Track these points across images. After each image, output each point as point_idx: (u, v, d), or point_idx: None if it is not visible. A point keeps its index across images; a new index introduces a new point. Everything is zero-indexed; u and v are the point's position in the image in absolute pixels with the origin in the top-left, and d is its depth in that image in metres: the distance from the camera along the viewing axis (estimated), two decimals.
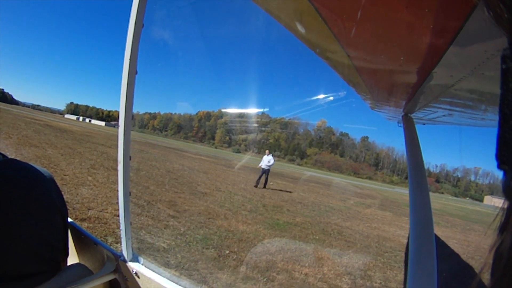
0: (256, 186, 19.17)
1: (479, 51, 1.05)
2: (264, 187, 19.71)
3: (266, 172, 20.51)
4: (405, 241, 10.42)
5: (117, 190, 1.71)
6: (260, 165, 21.08)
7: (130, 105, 1.58)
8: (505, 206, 0.35)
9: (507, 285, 0.33)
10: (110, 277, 1.64)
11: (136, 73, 1.55)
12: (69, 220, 1.68)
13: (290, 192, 20.94)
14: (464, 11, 0.87)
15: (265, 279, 5.68)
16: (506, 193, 0.34)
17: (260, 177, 20.27)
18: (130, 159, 1.67)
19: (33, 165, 1.26)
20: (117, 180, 1.66)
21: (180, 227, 7.82)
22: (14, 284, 1.02)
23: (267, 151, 21.70)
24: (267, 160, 20.72)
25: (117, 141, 1.64)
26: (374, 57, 1.68)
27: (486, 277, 0.37)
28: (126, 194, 1.70)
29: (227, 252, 6.69)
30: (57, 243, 1.22)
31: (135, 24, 1.46)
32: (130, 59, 1.49)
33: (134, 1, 1.45)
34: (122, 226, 1.75)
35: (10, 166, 1.12)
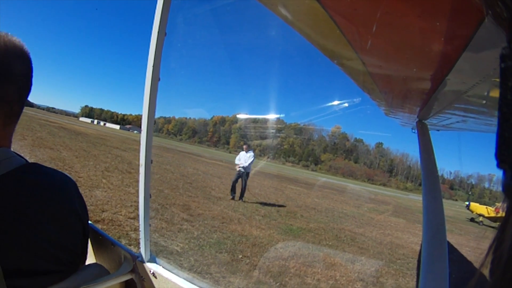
0: (232, 198, 13.83)
1: (491, 58, 1.07)
2: (241, 198, 14.08)
3: (243, 175, 14.56)
4: (418, 248, 10.32)
5: (138, 192, 1.76)
6: (237, 162, 14.95)
7: (153, 111, 1.63)
8: (505, 205, 0.34)
9: (507, 285, 0.33)
10: (127, 277, 1.66)
11: (159, 79, 1.60)
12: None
13: (283, 206, 15.18)
14: (476, 19, 0.89)
15: (277, 284, 5.68)
16: (506, 192, 0.34)
17: (234, 183, 14.43)
18: (151, 163, 1.72)
19: (55, 170, 1.27)
20: (137, 183, 1.71)
21: (193, 230, 7.84)
22: (29, 280, 1.05)
23: (245, 146, 15.44)
24: (245, 159, 14.78)
25: (139, 145, 1.69)
26: (388, 64, 1.70)
27: (486, 277, 0.36)
28: (147, 196, 1.74)
29: (240, 256, 6.69)
30: (75, 247, 1.24)
31: (158, 33, 1.51)
32: (153, 66, 1.53)
33: (156, 12, 1.50)
34: (141, 227, 1.78)
35: (31, 170, 1.14)
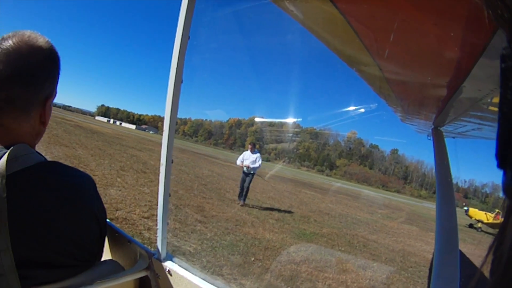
0: (242, 204, 12.72)
1: None
2: (244, 201, 13.00)
3: (248, 177, 13.13)
4: (430, 256, 10.23)
5: (157, 191, 1.79)
6: (239, 163, 13.48)
7: (175, 113, 1.66)
8: (505, 206, 0.34)
9: (507, 285, 0.32)
10: (142, 274, 1.67)
11: (182, 82, 1.64)
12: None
13: (297, 210, 14.87)
14: (491, 26, 0.91)
15: None
16: (506, 193, 0.34)
17: (242, 187, 13.22)
18: (172, 162, 1.76)
19: (75, 169, 1.29)
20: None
21: (207, 232, 7.86)
22: (42, 271, 1.07)
23: (250, 146, 13.65)
24: (251, 160, 13.18)
25: (161, 145, 1.72)
26: (404, 70, 1.71)
27: (486, 278, 0.36)
28: (166, 195, 1.77)
29: (252, 259, 6.70)
30: (90, 245, 1.25)
31: (181, 36, 1.55)
32: (176, 69, 1.56)
33: (180, 16, 1.54)
34: (159, 225, 1.81)
35: (50, 168, 1.16)
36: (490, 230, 28.98)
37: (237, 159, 13.88)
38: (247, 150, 13.59)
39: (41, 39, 1.13)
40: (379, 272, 7.87)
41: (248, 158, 13.23)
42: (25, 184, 1.05)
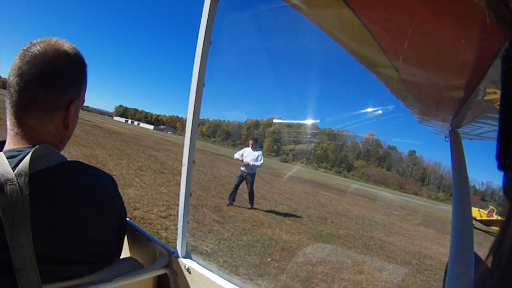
0: (229, 204, 11.41)
1: None
2: (251, 204, 11.81)
3: (247, 178, 11.69)
4: (446, 259, 10.10)
5: (179, 191, 1.82)
6: (237, 157, 11.81)
7: (197, 115, 1.69)
8: (506, 207, 0.35)
9: (507, 286, 0.33)
10: (161, 271, 1.69)
11: (204, 85, 1.68)
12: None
13: (314, 212, 14.50)
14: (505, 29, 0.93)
15: None
16: (507, 194, 0.35)
17: (237, 187, 11.77)
18: (194, 163, 1.79)
19: (97, 168, 1.31)
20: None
21: (224, 232, 7.88)
22: (61, 267, 1.10)
23: (251, 141, 11.77)
24: (252, 158, 11.52)
25: (183, 146, 1.76)
26: (421, 72, 1.72)
27: (486, 278, 0.37)
28: (187, 195, 1.79)
29: (269, 259, 6.70)
30: (110, 242, 1.27)
31: (203, 41, 1.58)
32: (198, 73, 1.60)
33: (202, 22, 1.57)
34: (180, 224, 1.83)
35: (72, 167, 1.18)
36: (484, 227, 28.13)
37: (236, 153, 12.13)
38: (247, 147, 11.83)
39: (67, 45, 1.17)
40: (394, 274, 7.82)
41: (248, 156, 11.61)
42: (47, 182, 1.08)
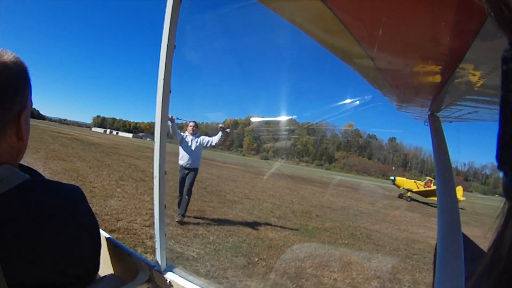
0: (181, 218, 8.49)
1: (500, 48, 1.06)
2: (181, 214, 8.54)
3: (188, 175, 8.63)
4: (434, 242, 10.23)
5: (153, 203, 1.78)
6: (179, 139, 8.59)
7: (165, 124, 1.65)
8: (506, 207, 0.36)
9: (506, 286, 0.33)
10: (143, 286, 1.67)
11: (170, 92, 1.62)
12: (105, 234, 1.74)
13: (298, 207, 14.31)
14: (484, 10, 0.89)
15: (294, 286, 5.68)
16: (507, 194, 0.35)
17: (182, 191, 8.64)
18: (165, 173, 1.74)
19: (60, 183, 1.25)
20: (151, 190, 1.73)
21: (209, 235, 7.84)
22: None
23: (190, 125, 8.89)
24: (195, 146, 8.64)
25: (153, 156, 1.71)
26: (398, 59, 1.70)
27: (484, 279, 0.37)
28: (162, 207, 1.75)
29: (256, 259, 6.69)
30: (84, 260, 1.22)
31: (167, 46, 1.53)
32: (164, 79, 1.55)
33: (165, 24, 1.52)
34: (157, 237, 1.79)
35: (33, 187, 1.13)
36: (421, 198, 28.61)
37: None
38: (186, 133, 8.81)
39: (5, 56, 1.09)
40: (384, 262, 7.90)
41: (190, 145, 8.67)
42: (9, 206, 1.03)
